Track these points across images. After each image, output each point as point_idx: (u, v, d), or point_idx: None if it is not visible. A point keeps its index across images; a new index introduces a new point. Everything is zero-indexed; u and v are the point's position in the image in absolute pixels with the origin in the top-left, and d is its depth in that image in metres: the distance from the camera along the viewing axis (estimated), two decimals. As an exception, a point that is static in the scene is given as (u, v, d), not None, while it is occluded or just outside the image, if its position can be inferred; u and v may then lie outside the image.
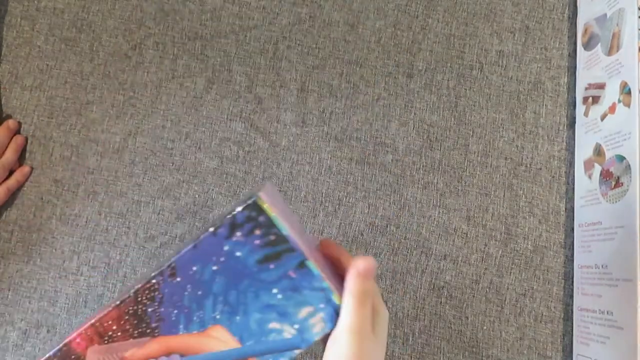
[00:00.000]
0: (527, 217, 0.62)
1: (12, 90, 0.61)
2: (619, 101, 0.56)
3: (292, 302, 0.35)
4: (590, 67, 0.62)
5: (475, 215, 0.62)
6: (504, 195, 0.62)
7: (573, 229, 0.61)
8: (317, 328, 0.36)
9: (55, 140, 0.61)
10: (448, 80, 0.64)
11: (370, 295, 0.36)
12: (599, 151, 0.58)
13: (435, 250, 0.61)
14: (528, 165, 0.63)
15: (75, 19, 0.63)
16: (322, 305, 0.36)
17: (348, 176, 0.62)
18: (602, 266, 0.55)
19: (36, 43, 0.62)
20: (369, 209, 0.61)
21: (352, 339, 0.34)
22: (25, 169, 0.59)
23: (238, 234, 0.34)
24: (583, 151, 0.61)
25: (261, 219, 0.34)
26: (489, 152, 0.63)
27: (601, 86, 0.59)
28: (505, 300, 0.60)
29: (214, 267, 0.35)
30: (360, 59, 0.64)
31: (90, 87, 0.62)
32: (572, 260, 0.61)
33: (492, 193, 0.62)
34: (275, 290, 0.35)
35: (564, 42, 0.65)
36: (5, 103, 0.61)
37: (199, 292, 0.35)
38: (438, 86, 0.64)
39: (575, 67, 0.64)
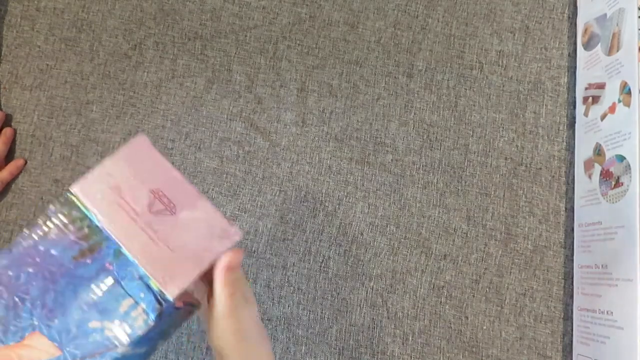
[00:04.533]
0: (527, 217, 0.62)
1: (12, 90, 0.61)
2: (619, 101, 0.56)
3: (112, 296, 0.33)
4: (590, 67, 0.62)
5: (475, 215, 0.62)
6: (504, 195, 0.62)
7: (573, 229, 0.61)
8: (139, 321, 0.33)
9: (55, 140, 0.61)
10: (448, 80, 0.64)
11: (239, 284, 0.36)
12: (599, 151, 0.58)
13: (435, 250, 0.61)
14: (528, 165, 0.63)
15: (75, 19, 0.63)
16: (142, 295, 0.34)
17: (348, 176, 0.62)
18: (602, 266, 0.55)
19: (36, 43, 0.62)
20: (369, 209, 0.61)
21: (229, 323, 0.36)
22: (20, 161, 0.59)
23: (52, 232, 0.34)
24: (583, 151, 0.61)
25: (74, 213, 0.34)
26: (489, 152, 0.63)
27: (601, 86, 0.59)
28: (505, 300, 0.60)
29: (30, 269, 0.33)
30: (360, 59, 0.64)
31: (90, 87, 0.62)
32: (572, 260, 0.61)
33: (492, 193, 0.62)
34: (93, 286, 0.34)
35: (564, 42, 0.65)
36: (6, 103, 0.61)
37: (15, 299, 0.33)
38: (438, 86, 0.64)
39: (575, 67, 0.64)
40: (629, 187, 0.53)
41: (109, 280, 0.34)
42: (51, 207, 0.34)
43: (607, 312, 0.54)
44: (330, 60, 0.64)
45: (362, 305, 0.60)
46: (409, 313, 0.60)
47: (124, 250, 0.34)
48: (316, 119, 0.63)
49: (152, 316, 0.34)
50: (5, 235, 0.59)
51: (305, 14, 0.65)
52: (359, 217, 0.61)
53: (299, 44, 0.64)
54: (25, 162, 0.60)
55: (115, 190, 0.34)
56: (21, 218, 0.59)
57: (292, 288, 0.60)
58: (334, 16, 0.65)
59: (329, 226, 0.61)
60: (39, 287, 0.33)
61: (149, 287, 0.34)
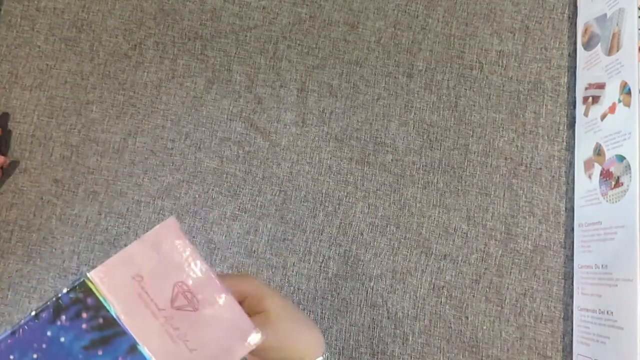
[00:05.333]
0: (527, 217, 0.62)
1: (12, 90, 0.61)
2: (619, 101, 0.56)
3: None
4: (590, 67, 0.62)
5: (475, 215, 0.62)
6: (504, 195, 0.62)
7: (573, 229, 0.61)
8: None
9: (55, 140, 0.61)
10: (448, 80, 0.64)
11: (256, 290, 0.36)
12: (599, 151, 0.58)
13: (435, 250, 0.61)
14: (528, 165, 0.63)
15: (75, 19, 0.63)
16: None
17: (348, 176, 0.62)
18: (602, 266, 0.55)
19: (36, 43, 0.62)
20: (369, 209, 0.61)
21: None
22: (1, 158, 0.59)
23: (63, 317, 0.31)
24: (583, 151, 0.61)
25: (89, 301, 0.32)
26: (489, 152, 0.63)
27: (601, 86, 0.59)
28: (505, 300, 0.60)
29: (34, 355, 0.32)
30: (360, 59, 0.64)
31: (90, 87, 0.62)
32: (572, 260, 0.61)
33: (492, 193, 0.62)
34: None
35: (564, 42, 0.65)
36: (5, 103, 0.61)
37: None
38: (438, 86, 0.64)
39: (575, 67, 0.64)
40: (629, 187, 0.53)
41: None
42: (64, 290, 0.31)
43: (607, 312, 0.54)
44: (330, 60, 0.64)
45: (362, 305, 0.60)
46: (409, 313, 0.60)
47: (140, 347, 0.32)
48: (316, 119, 0.63)
49: None
50: (5, 235, 0.59)
51: (306, 14, 0.65)
52: (359, 217, 0.61)
53: (299, 44, 0.64)
54: (6, 159, 0.59)
55: (138, 280, 0.32)
56: (21, 218, 0.59)
57: (292, 288, 0.60)
58: (334, 16, 0.65)
59: (329, 226, 0.61)
60: None
61: None
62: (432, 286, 0.60)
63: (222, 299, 0.33)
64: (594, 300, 0.56)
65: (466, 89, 0.64)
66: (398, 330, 0.59)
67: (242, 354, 0.34)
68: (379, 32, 0.65)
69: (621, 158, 0.54)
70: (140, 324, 0.32)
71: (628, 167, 0.53)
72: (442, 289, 0.60)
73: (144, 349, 0.32)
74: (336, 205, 0.61)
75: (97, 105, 0.62)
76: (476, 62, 0.65)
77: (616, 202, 0.54)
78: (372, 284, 0.60)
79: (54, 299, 0.31)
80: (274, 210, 0.61)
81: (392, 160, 0.62)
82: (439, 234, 0.61)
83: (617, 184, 0.55)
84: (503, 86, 0.64)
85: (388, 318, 0.60)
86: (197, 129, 0.62)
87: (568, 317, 0.60)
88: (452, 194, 0.62)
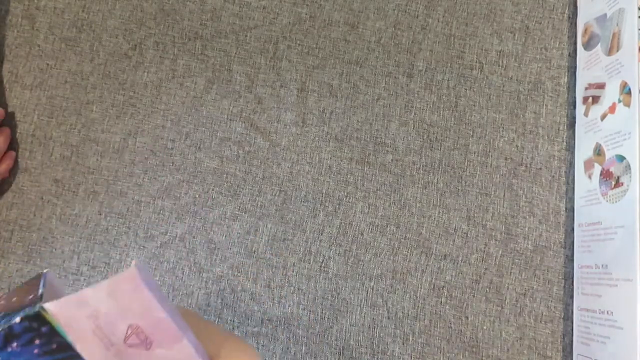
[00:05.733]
0: (527, 217, 0.62)
1: (12, 90, 0.61)
2: (619, 101, 0.56)
3: None
4: (590, 67, 0.62)
5: (475, 215, 0.62)
6: (504, 195, 0.62)
7: (573, 229, 0.61)
8: None
9: (55, 140, 0.61)
10: (448, 80, 0.64)
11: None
12: (599, 151, 0.58)
13: (435, 250, 0.61)
14: (528, 165, 0.63)
15: (76, 19, 0.63)
16: None
17: (348, 176, 0.62)
18: (602, 266, 0.55)
19: (36, 42, 0.62)
20: (369, 208, 0.61)
21: None
22: (12, 153, 0.59)
23: (14, 344, 0.32)
24: (583, 151, 0.61)
25: (44, 329, 0.32)
26: (489, 152, 0.63)
27: (601, 86, 0.59)
28: (505, 300, 0.60)
29: None
30: (360, 59, 0.64)
31: (90, 86, 0.62)
32: (572, 260, 0.61)
33: (492, 193, 0.62)
34: None
35: (564, 42, 0.65)
36: (5, 102, 0.61)
37: None
38: (438, 86, 0.64)
39: (575, 67, 0.64)
40: (629, 187, 0.53)
41: None
42: (16, 319, 0.32)
43: (607, 312, 0.54)
44: (330, 60, 0.64)
45: (362, 305, 0.60)
46: (409, 313, 0.60)
47: None
48: (316, 119, 0.63)
49: None
50: (5, 235, 0.59)
51: (306, 14, 0.65)
52: (359, 217, 0.61)
53: (299, 44, 0.64)
54: (16, 154, 0.60)
55: (92, 318, 0.33)
56: (21, 218, 0.59)
57: (292, 288, 0.60)
58: (334, 16, 0.65)
59: (329, 226, 0.61)
60: None
61: None
62: (432, 286, 0.60)
63: (176, 344, 0.35)
64: (594, 300, 0.56)
65: (466, 89, 0.64)
66: (398, 330, 0.59)
67: None
68: (379, 32, 0.65)
69: (621, 158, 0.54)
70: (93, 353, 0.33)
71: (628, 167, 0.53)
72: (442, 289, 0.60)
73: None
74: (336, 205, 0.61)
75: (97, 105, 0.62)
76: (476, 62, 0.65)
77: (616, 202, 0.54)
78: (372, 284, 0.60)
79: (4, 326, 0.32)
80: (274, 210, 0.61)
81: (392, 160, 0.62)
82: (439, 234, 0.61)
83: (617, 184, 0.55)
84: (503, 86, 0.64)
85: (388, 318, 0.60)
86: (197, 129, 0.62)
87: (568, 317, 0.60)
88: (452, 194, 0.62)
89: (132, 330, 0.34)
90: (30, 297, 0.33)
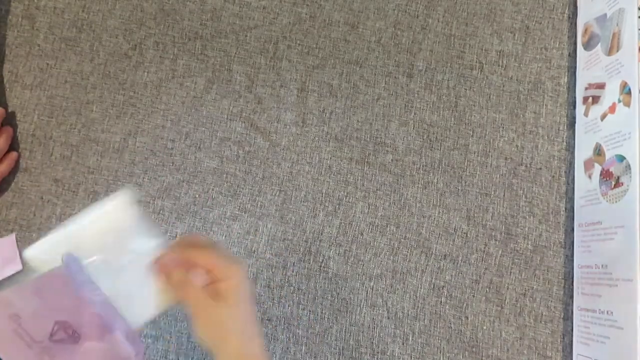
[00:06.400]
0: (527, 217, 0.62)
1: (12, 89, 0.61)
2: (619, 101, 0.56)
3: None
4: (590, 67, 0.62)
5: (475, 215, 0.62)
6: (504, 195, 0.62)
7: (573, 229, 0.61)
8: None
9: (56, 140, 0.61)
10: (448, 80, 0.64)
11: (181, 284, 0.38)
12: (599, 151, 0.58)
13: (435, 250, 0.61)
14: (528, 165, 0.63)
15: (76, 19, 0.63)
16: None
17: (348, 176, 0.62)
18: (602, 266, 0.55)
19: (36, 42, 0.62)
20: (369, 208, 0.61)
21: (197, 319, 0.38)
22: (14, 154, 0.59)
23: None
24: (583, 151, 0.61)
25: None
26: (489, 152, 0.63)
27: (601, 86, 0.59)
28: (505, 300, 0.60)
29: None
30: (360, 59, 0.64)
31: (90, 86, 0.62)
32: (572, 260, 0.61)
33: (492, 193, 0.62)
34: None
35: (564, 42, 0.65)
36: (6, 102, 0.61)
37: None
38: (438, 86, 0.64)
39: (575, 67, 0.64)
40: (629, 187, 0.53)
41: None
42: None
43: (607, 312, 0.54)
44: (330, 60, 0.64)
45: (362, 305, 0.60)
46: (409, 313, 0.60)
47: None
48: (316, 119, 0.63)
49: None
50: (5, 235, 0.59)
51: (306, 14, 0.65)
52: (359, 217, 0.61)
53: (299, 44, 0.64)
54: (19, 155, 0.60)
55: (14, 318, 0.33)
56: (21, 217, 0.59)
57: (292, 288, 0.60)
58: (334, 16, 0.65)
59: (329, 226, 0.61)
60: None
61: None
62: (432, 286, 0.60)
63: (106, 335, 0.35)
64: (594, 300, 0.56)
65: (466, 89, 0.64)
66: (398, 330, 0.59)
67: None
68: (379, 32, 0.65)
69: (621, 158, 0.54)
70: (13, 353, 0.33)
71: (628, 167, 0.53)
72: (442, 289, 0.60)
73: None
74: (336, 205, 0.61)
75: (97, 105, 0.62)
76: (476, 62, 0.65)
77: (616, 202, 0.54)
78: (372, 284, 0.60)
79: None
80: (274, 210, 0.61)
81: (392, 160, 0.62)
82: (439, 234, 0.61)
83: (617, 184, 0.55)
84: (503, 86, 0.64)
85: (388, 318, 0.60)
86: (197, 129, 0.62)
87: (568, 317, 0.60)
88: (452, 194, 0.62)
89: (60, 326, 0.34)
90: None
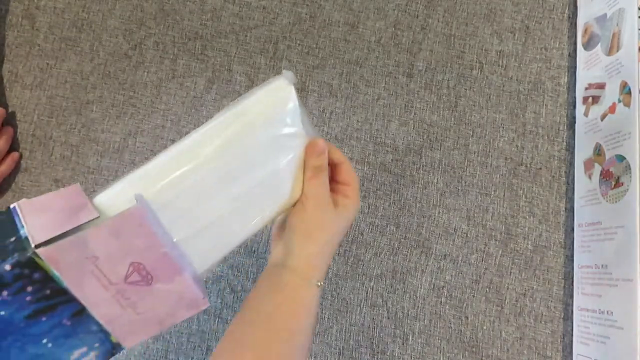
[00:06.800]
0: (527, 217, 0.62)
1: (12, 89, 0.61)
2: (619, 101, 0.56)
3: (64, 347, 0.33)
4: (590, 67, 0.62)
5: (475, 215, 0.62)
6: (504, 195, 0.62)
7: (573, 229, 0.61)
8: None
9: (56, 140, 0.61)
10: (448, 80, 0.64)
11: (323, 170, 0.40)
12: (599, 151, 0.58)
13: (435, 250, 0.61)
14: (528, 165, 0.63)
15: (76, 19, 0.63)
16: (96, 345, 0.34)
17: (348, 176, 0.62)
18: (602, 266, 0.55)
19: (36, 42, 0.62)
20: (369, 209, 0.61)
21: (309, 204, 0.39)
22: (15, 155, 0.59)
23: (4, 293, 0.30)
24: (583, 151, 0.61)
25: (36, 275, 0.31)
26: (489, 152, 0.63)
27: (601, 86, 0.59)
28: (505, 300, 0.60)
29: None
30: (360, 59, 0.64)
31: (90, 86, 0.62)
32: (572, 260, 0.61)
33: (492, 193, 0.62)
34: (45, 340, 0.33)
35: (564, 42, 0.65)
36: (6, 101, 0.61)
37: None
38: (438, 86, 0.64)
39: (575, 67, 0.64)
40: (629, 187, 0.53)
41: (64, 334, 0.33)
42: (6, 267, 0.30)
43: (607, 312, 0.54)
44: (330, 60, 0.64)
45: (362, 305, 0.60)
46: (409, 313, 0.60)
47: (89, 311, 0.33)
48: (316, 119, 0.63)
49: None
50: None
51: (306, 14, 0.65)
52: (359, 217, 0.61)
53: (299, 44, 0.64)
54: (21, 156, 0.60)
55: (92, 260, 0.33)
56: (21, 218, 0.59)
57: (292, 288, 0.60)
58: (334, 16, 0.65)
59: (329, 226, 0.61)
60: None
61: (105, 340, 0.34)
62: (432, 286, 0.60)
63: (176, 276, 0.35)
64: (594, 300, 0.56)
65: (466, 89, 0.64)
66: (398, 330, 0.59)
67: (184, 317, 0.36)
68: (379, 32, 0.65)
69: (621, 158, 0.54)
70: (90, 295, 0.33)
71: (628, 167, 0.53)
72: (442, 289, 0.60)
73: (92, 313, 0.33)
74: (336, 205, 0.61)
75: (97, 105, 0.62)
76: (476, 62, 0.65)
77: (616, 202, 0.54)
78: (372, 284, 0.60)
79: None
80: (274, 210, 0.61)
81: (392, 160, 0.62)
82: (439, 234, 0.61)
83: (617, 184, 0.55)
84: (503, 86, 0.64)
85: (388, 318, 0.60)
86: (197, 128, 0.62)
87: (568, 317, 0.60)
88: (452, 194, 0.62)
89: (134, 268, 0.34)
90: (12, 239, 0.30)
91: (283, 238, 0.41)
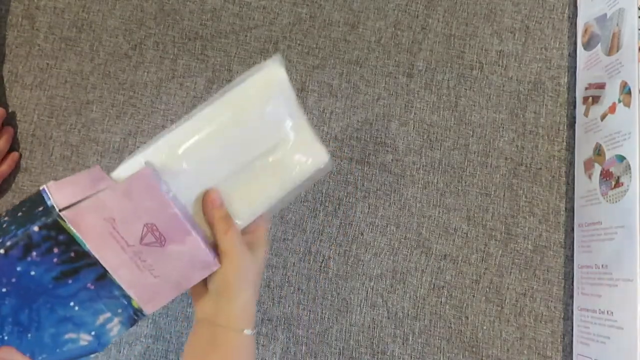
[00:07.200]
0: (527, 217, 0.62)
1: (12, 89, 0.61)
2: (619, 101, 0.56)
3: (90, 311, 0.35)
4: (590, 67, 0.62)
5: (475, 215, 0.62)
6: (504, 195, 0.62)
7: (573, 229, 0.61)
8: (114, 332, 0.36)
9: (56, 140, 0.61)
10: (448, 80, 0.64)
11: (229, 217, 0.41)
12: (599, 151, 0.58)
13: (435, 250, 0.61)
14: (528, 165, 0.63)
15: (76, 19, 0.63)
16: (120, 311, 0.36)
17: (348, 176, 0.62)
18: (602, 266, 0.55)
19: (36, 42, 0.62)
20: (369, 209, 0.61)
21: (232, 260, 0.39)
22: (15, 155, 0.59)
23: (34, 254, 0.32)
24: (583, 151, 0.61)
25: (61, 237, 0.33)
26: (489, 152, 0.63)
27: (601, 86, 0.59)
28: (505, 300, 0.60)
29: (4, 289, 0.33)
30: (360, 59, 0.64)
31: (90, 86, 0.62)
32: (572, 260, 0.61)
33: (492, 193, 0.62)
34: (72, 303, 0.35)
35: (564, 42, 0.65)
36: (6, 101, 0.61)
37: None
38: (438, 86, 0.64)
39: (575, 67, 0.64)
40: (629, 187, 0.53)
41: (89, 298, 0.35)
42: (34, 228, 0.32)
43: (607, 312, 0.54)
44: (330, 60, 0.64)
45: (362, 305, 0.60)
46: (409, 313, 0.60)
47: (110, 275, 0.35)
48: (316, 119, 0.63)
49: (126, 328, 0.37)
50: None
51: (306, 14, 0.65)
52: (359, 217, 0.61)
53: (299, 44, 0.64)
54: (20, 156, 0.60)
55: (109, 221, 0.34)
56: (21, 218, 0.59)
57: (292, 288, 0.60)
58: (334, 16, 0.65)
59: (329, 226, 0.61)
60: (12, 305, 0.33)
61: (127, 305, 0.36)
62: (432, 286, 0.60)
63: (187, 237, 0.37)
64: (594, 300, 0.56)
65: (466, 89, 0.64)
66: (398, 330, 0.59)
67: (199, 280, 0.38)
68: (379, 32, 0.65)
69: (621, 158, 0.54)
70: (110, 257, 0.35)
71: (628, 167, 0.53)
72: (442, 289, 0.60)
73: (113, 276, 0.35)
74: (336, 205, 0.61)
75: (97, 105, 0.62)
76: (476, 62, 0.65)
77: (616, 202, 0.54)
78: (372, 284, 0.60)
79: (23, 235, 0.32)
80: (274, 210, 0.61)
81: (392, 160, 0.62)
82: (439, 234, 0.61)
83: (617, 184, 0.55)
84: (503, 86, 0.64)
85: (388, 318, 0.60)
86: (197, 128, 0.62)
87: (568, 317, 0.60)
88: (452, 194, 0.62)
89: (148, 229, 0.36)
90: (40, 209, 0.33)
91: (210, 295, 0.41)
